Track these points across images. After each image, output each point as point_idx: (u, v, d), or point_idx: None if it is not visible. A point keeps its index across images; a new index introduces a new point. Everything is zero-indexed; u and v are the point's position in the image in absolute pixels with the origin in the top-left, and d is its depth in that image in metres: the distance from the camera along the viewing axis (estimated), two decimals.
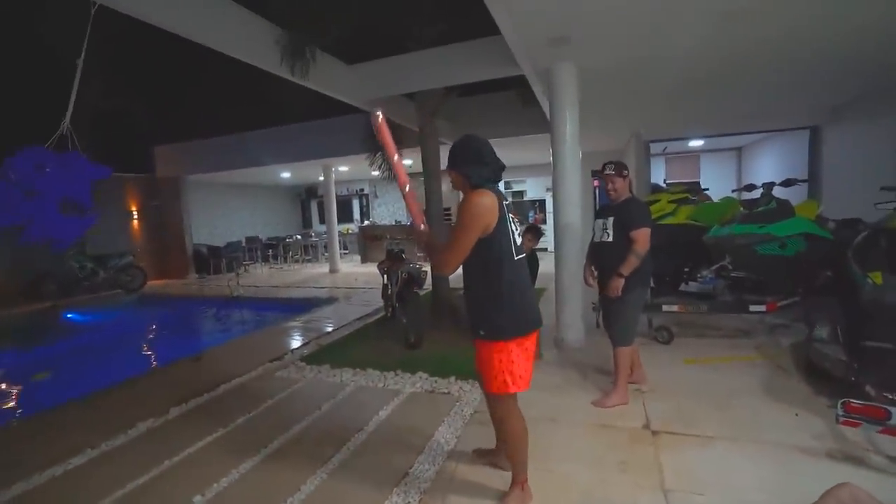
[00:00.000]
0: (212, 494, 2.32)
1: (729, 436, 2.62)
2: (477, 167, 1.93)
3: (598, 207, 3.41)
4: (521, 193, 13.64)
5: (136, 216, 11.55)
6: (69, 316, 8.64)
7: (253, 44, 4.31)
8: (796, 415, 2.81)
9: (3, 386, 5.02)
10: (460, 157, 1.97)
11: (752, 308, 4.10)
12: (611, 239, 3.02)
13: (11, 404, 4.43)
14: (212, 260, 12.09)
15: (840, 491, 1.18)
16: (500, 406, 2.06)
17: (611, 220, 3.04)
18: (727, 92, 5.69)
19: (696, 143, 10.01)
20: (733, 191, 5.98)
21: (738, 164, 11.08)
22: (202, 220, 12.81)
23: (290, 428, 2.99)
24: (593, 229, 3.24)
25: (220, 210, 13.59)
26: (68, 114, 2.60)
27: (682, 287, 5.08)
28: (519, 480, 2.11)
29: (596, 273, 3.24)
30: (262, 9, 4.38)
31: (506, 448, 2.19)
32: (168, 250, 12.09)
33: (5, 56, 9.92)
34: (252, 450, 2.72)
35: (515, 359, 1.94)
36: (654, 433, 2.70)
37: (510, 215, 1.95)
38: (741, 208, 4.51)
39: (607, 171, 3.03)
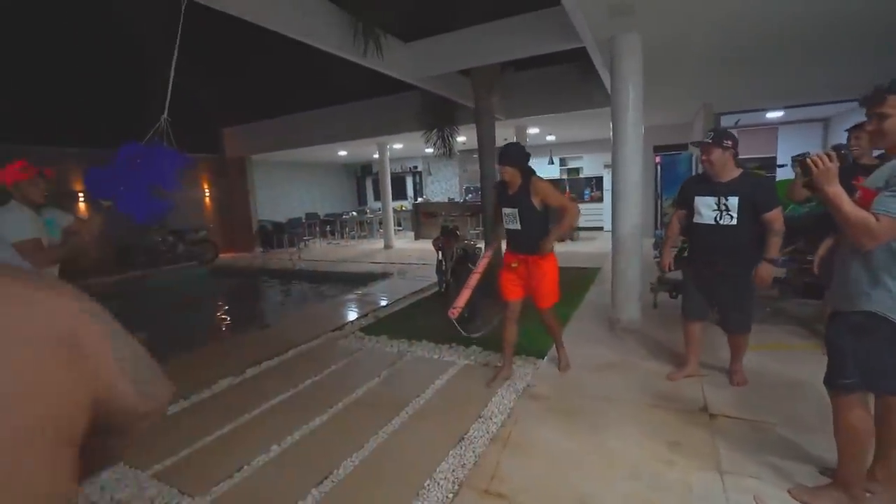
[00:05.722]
0: (287, 444, 2.59)
1: (791, 424, 2.54)
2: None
3: (684, 183, 2.95)
4: (577, 171, 13.23)
5: (207, 194, 12.43)
6: (153, 284, 9.54)
7: (324, 28, 4.43)
8: None
9: None
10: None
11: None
12: (734, 222, 2.70)
13: None
14: (275, 235, 12.84)
15: None
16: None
17: (734, 199, 2.69)
18: (813, 58, 5.18)
19: (774, 115, 9.22)
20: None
21: (824, 136, 10.08)
22: (266, 197, 13.54)
23: (354, 391, 3.23)
24: (695, 209, 2.84)
25: (282, 188, 14.28)
26: (166, 109, 2.87)
27: None
28: None
29: (700, 258, 2.93)
30: None
31: None
32: (235, 226, 12.95)
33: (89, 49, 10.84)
34: (320, 409, 2.97)
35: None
36: (712, 416, 2.66)
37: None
38: None
39: (704, 140, 2.73)
